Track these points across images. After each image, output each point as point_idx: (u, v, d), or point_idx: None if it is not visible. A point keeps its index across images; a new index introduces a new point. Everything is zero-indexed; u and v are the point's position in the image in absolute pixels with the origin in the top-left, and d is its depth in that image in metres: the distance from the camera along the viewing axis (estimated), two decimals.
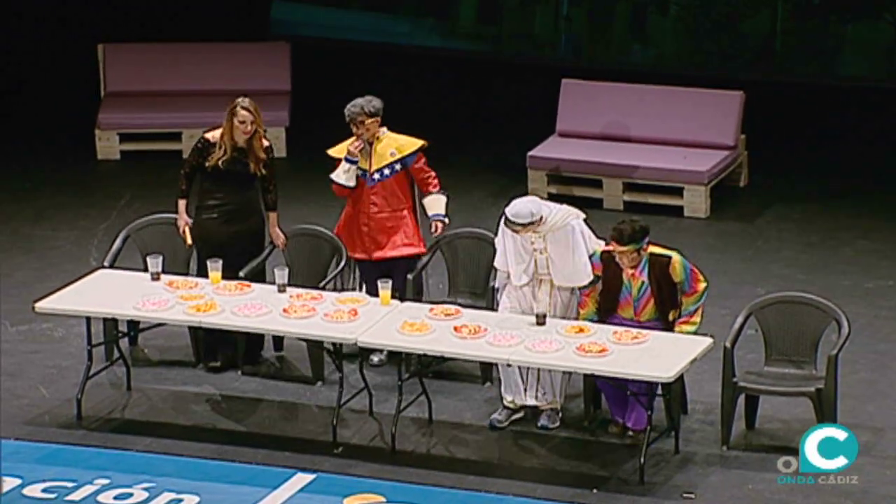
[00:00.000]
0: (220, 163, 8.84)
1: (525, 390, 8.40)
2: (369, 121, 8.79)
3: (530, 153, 11.44)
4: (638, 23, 13.35)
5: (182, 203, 9.00)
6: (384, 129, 8.91)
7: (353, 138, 8.94)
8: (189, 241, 8.96)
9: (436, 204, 8.91)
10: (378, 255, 8.92)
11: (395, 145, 8.87)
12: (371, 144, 8.86)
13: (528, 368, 8.36)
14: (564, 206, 8.46)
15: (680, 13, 13.23)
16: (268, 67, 12.38)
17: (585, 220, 8.49)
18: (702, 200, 11.18)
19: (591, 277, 8.36)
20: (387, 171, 8.86)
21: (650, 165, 11.25)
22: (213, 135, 8.93)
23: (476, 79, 13.15)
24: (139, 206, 11.02)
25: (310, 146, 12.33)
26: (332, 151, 9.07)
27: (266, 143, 8.96)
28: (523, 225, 8.25)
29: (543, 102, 11.82)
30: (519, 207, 8.29)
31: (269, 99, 12.21)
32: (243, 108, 8.84)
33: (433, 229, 8.94)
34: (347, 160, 8.92)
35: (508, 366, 8.34)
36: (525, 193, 11.31)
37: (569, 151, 11.42)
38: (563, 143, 11.53)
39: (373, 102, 8.83)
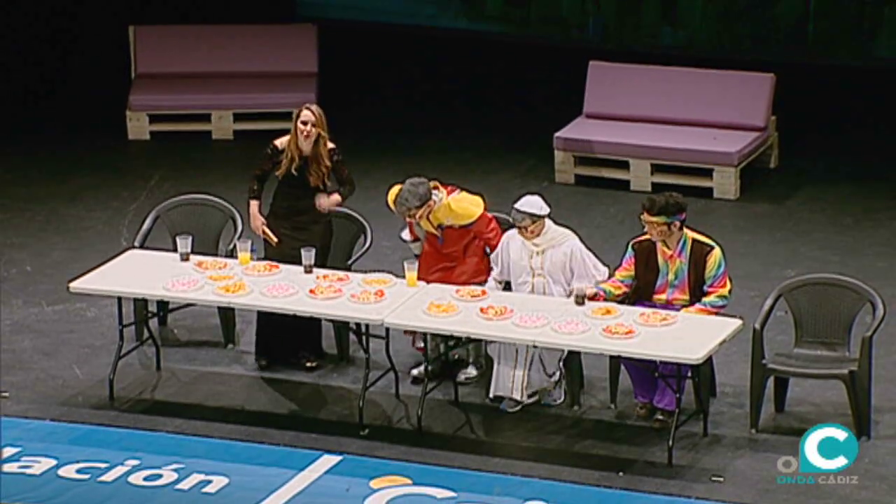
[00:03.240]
0: (290, 170, 8.73)
1: (520, 381, 8.36)
2: (422, 210, 8.60)
3: (557, 134, 11.40)
4: (668, 5, 13.27)
5: (255, 204, 8.85)
6: (437, 196, 8.58)
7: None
8: (275, 238, 8.80)
9: None
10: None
11: (449, 214, 8.59)
12: (427, 217, 8.63)
13: (519, 355, 8.34)
14: (565, 230, 8.54)
15: None
16: (295, 49, 12.37)
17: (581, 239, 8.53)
18: (731, 182, 11.11)
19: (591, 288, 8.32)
20: (447, 223, 8.65)
21: (679, 147, 11.19)
22: (282, 141, 8.82)
23: (503, 61, 13.11)
24: (169, 187, 11.05)
25: (337, 128, 12.32)
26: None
27: (331, 146, 8.79)
28: (529, 214, 8.32)
29: (571, 84, 11.77)
30: (528, 198, 8.40)
31: (297, 81, 12.23)
32: (307, 108, 8.72)
33: None
34: (406, 240, 8.83)
35: (536, 346, 8.33)
36: (552, 176, 11.36)
37: (596, 133, 11.37)
38: (590, 125, 11.48)
39: (419, 190, 8.53)
